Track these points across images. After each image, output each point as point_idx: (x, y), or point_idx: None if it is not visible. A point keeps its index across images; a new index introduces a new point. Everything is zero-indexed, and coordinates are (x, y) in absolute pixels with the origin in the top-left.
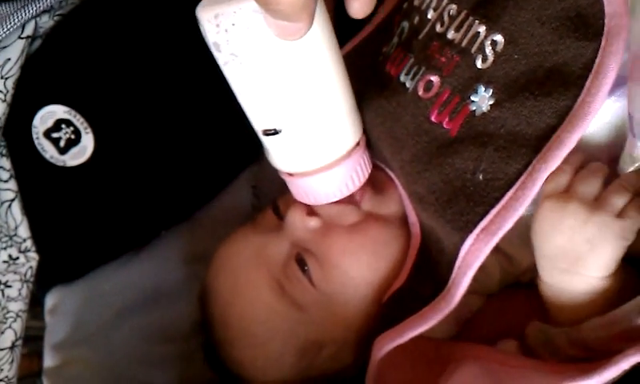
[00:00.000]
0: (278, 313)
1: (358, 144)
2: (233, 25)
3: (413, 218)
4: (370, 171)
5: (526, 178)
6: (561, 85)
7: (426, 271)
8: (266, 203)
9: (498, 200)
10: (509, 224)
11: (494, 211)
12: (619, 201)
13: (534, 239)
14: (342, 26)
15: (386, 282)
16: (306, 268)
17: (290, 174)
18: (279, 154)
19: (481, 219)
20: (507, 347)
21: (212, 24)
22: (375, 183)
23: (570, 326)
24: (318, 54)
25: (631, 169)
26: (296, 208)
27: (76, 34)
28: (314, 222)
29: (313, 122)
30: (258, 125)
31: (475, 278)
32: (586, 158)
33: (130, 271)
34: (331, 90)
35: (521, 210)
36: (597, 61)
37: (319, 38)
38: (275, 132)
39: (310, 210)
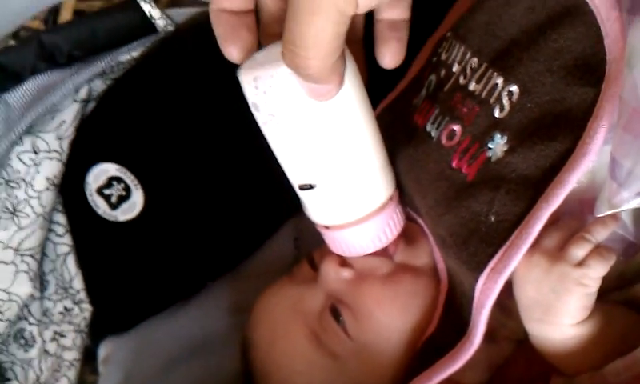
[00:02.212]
0: (314, 363)
1: (391, 198)
2: (270, 87)
3: (441, 264)
4: (402, 224)
5: (530, 217)
6: (565, 129)
7: (454, 315)
8: (307, 253)
9: (505, 240)
10: (514, 262)
11: (501, 251)
12: (579, 251)
13: (514, 292)
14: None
15: (418, 330)
16: (340, 319)
17: (326, 227)
18: (315, 207)
19: (490, 259)
20: None
21: (251, 86)
22: (408, 234)
23: (575, 375)
24: (349, 112)
25: (607, 213)
26: (329, 260)
27: (126, 97)
28: (346, 273)
29: (346, 177)
30: (295, 180)
31: (500, 322)
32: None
33: (177, 322)
34: (363, 146)
35: (524, 248)
36: (597, 105)
37: (350, 97)
38: (310, 187)
39: (343, 262)
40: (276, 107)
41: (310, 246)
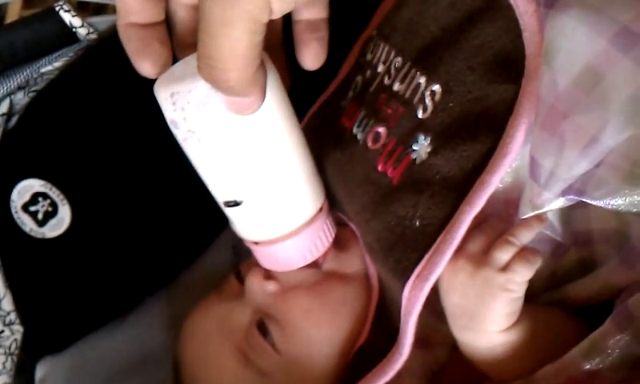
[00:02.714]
0: (243, 382)
1: (320, 209)
2: (188, 103)
3: (372, 269)
4: (333, 235)
5: (454, 221)
6: (486, 128)
7: (385, 323)
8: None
9: (430, 245)
10: (439, 269)
11: (426, 257)
12: (503, 255)
13: (441, 301)
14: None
15: (350, 340)
16: (268, 334)
17: (255, 242)
18: (242, 223)
19: (416, 265)
20: None
21: (168, 102)
22: (338, 240)
23: (506, 382)
24: (273, 126)
25: (531, 214)
26: (254, 273)
27: (49, 110)
28: (272, 286)
29: (273, 192)
30: (219, 196)
31: (434, 327)
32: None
33: (115, 338)
34: (289, 160)
35: (449, 253)
36: (516, 102)
37: (273, 109)
38: (236, 203)
39: (268, 274)
40: (195, 124)
41: (249, 254)
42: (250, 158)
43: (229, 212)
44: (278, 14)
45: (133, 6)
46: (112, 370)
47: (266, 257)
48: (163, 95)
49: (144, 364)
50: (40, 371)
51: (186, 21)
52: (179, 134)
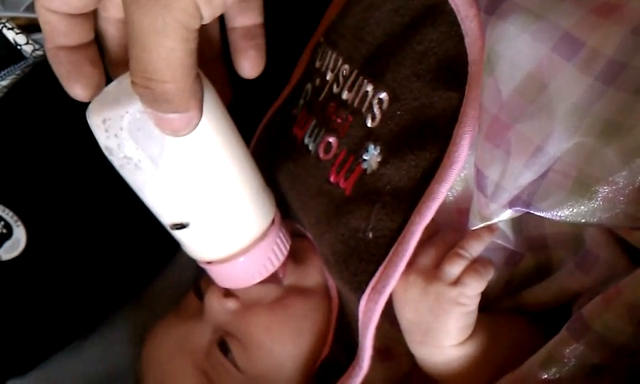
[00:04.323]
0: None
1: (272, 223)
2: (121, 129)
3: (331, 281)
4: (288, 247)
5: (405, 232)
6: (433, 137)
7: (344, 336)
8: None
9: (383, 257)
10: (393, 281)
11: (380, 269)
12: (454, 269)
13: (396, 316)
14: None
15: (312, 354)
16: (229, 352)
17: (208, 262)
18: (191, 245)
19: (370, 278)
20: None
21: (101, 129)
22: (296, 253)
23: None
24: (213, 144)
25: (480, 226)
26: (213, 291)
27: None
28: (231, 304)
29: (219, 211)
30: (164, 220)
31: (395, 338)
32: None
33: (81, 357)
34: (233, 177)
35: (402, 266)
36: (460, 110)
37: (212, 127)
38: (182, 226)
39: (228, 292)
40: (130, 150)
41: None
42: (191, 179)
43: (176, 234)
44: (208, 19)
45: (60, 28)
46: None
47: (220, 276)
48: (95, 122)
49: (111, 381)
50: None
51: (117, 38)
52: (115, 161)
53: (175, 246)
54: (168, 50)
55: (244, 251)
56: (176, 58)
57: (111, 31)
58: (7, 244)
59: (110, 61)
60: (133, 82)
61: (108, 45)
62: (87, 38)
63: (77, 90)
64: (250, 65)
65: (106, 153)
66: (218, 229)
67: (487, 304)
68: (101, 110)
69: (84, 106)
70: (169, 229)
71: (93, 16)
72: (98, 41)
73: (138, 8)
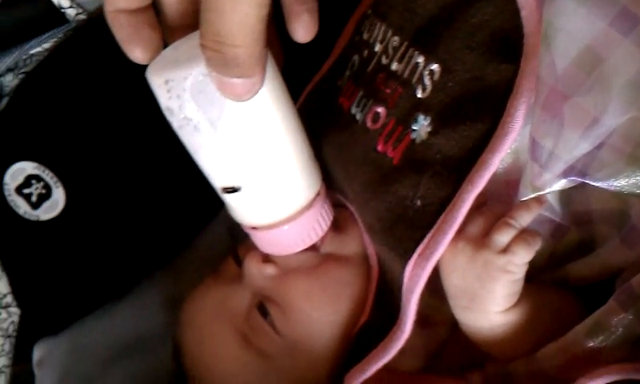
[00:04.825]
0: (246, 365)
1: (318, 194)
2: (184, 90)
3: (371, 249)
4: (331, 218)
5: (455, 201)
6: (486, 108)
7: (386, 302)
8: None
9: (432, 225)
10: (441, 248)
11: (428, 236)
12: (503, 238)
13: (442, 282)
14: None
15: (351, 320)
16: (268, 316)
17: (253, 227)
18: (240, 209)
19: (417, 244)
20: (472, 380)
21: (162, 90)
22: (337, 222)
23: (509, 361)
24: (271, 110)
25: (531, 196)
26: (252, 257)
27: (39, 91)
28: (270, 269)
29: (271, 177)
30: (217, 183)
31: (434, 307)
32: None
33: (112, 320)
34: (287, 144)
35: (451, 233)
36: (516, 82)
37: (271, 93)
38: (234, 189)
39: (267, 257)
40: (191, 111)
41: (244, 235)
42: (247, 143)
43: (226, 198)
44: None
45: None
46: (109, 352)
47: (264, 241)
48: (157, 82)
49: (141, 346)
50: (37, 354)
51: (175, 3)
52: (174, 122)
53: (208, 215)
54: (243, 15)
55: (290, 219)
56: (249, 23)
57: None
58: (46, 204)
59: (166, 25)
60: (202, 45)
61: (166, 10)
62: (146, 2)
63: (137, 53)
64: (303, 29)
65: (166, 113)
66: (267, 195)
67: (531, 276)
68: (163, 71)
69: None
70: (219, 192)
71: None
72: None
73: None
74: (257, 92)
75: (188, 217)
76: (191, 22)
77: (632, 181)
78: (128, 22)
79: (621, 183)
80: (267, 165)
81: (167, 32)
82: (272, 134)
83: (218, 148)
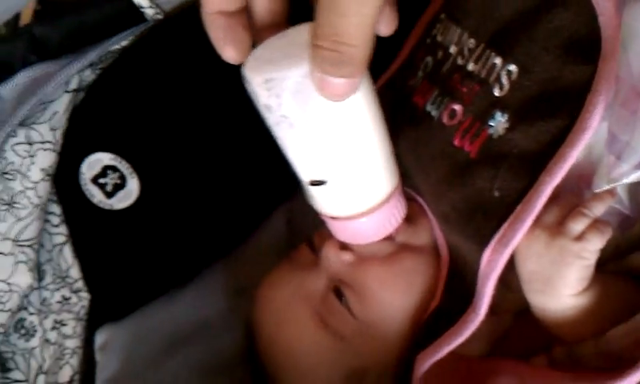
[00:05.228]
0: (321, 345)
1: (395, 187)
2: (284, 89)
3: (441, 240)
4: (405, 211)
5: (533, 192)
6: (564, 105)
7: (456, 289)
8: (300, 236)
9: (509, 214)
10: (519, 235)
11: (505, 224)
12: (577, 226)
13: (516, 265)
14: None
15: (421, 306)
16: (344, 299)
17: (333, 217)
18: (323, 200)
19: (495, 232)
20: (538, 362)
21: (262, 88)
22: (408, 215)
23: (575, 343)
24: (363, 109)
25: (605, 188)
26: (330, 244)
27: (117, 85)
28: (348, 256)
29: (357, 172)
30: (306, 176)
31: (501, 295)
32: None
33: (175, 307)
34: (374, 141)
35: (529, 221)
36: (594, 80)
37: (363, 93)
38: (321, 183)
39: (344, 245)
40: (289, 109)
41: (302, 227)
42: (338, 140)
43: (312, 190)
44: None
45: None
46: (170, 338)
47: (342, 231)
48: (257, 81)
49: (202, 332)
50: (100, 338)
51: (265, 3)
52: (271, 118)
53: (268, 208)
54: (363, 17)
55: (369, 211)
56: (368, 24)
57: None
58: (120, 194)
59: (255, 25)
60: (318, 46)
61: (256, 11)
62: (242, 4)
63: (230, 53)
64: (385, 23)
65: (264, 110)
66: (351, 189)
67: (597, 266)
68: (262, 70)
69: (196, 65)
70: (305, 183)
71: None
72: None
73: None
74: (355, 91)
75: (250, 209)
76: (280, 20)
77: None
78: (224, 24)
79: None
80: (354, 161)
81: (256, 32)
82: (362, 132)
83: (310, 144)
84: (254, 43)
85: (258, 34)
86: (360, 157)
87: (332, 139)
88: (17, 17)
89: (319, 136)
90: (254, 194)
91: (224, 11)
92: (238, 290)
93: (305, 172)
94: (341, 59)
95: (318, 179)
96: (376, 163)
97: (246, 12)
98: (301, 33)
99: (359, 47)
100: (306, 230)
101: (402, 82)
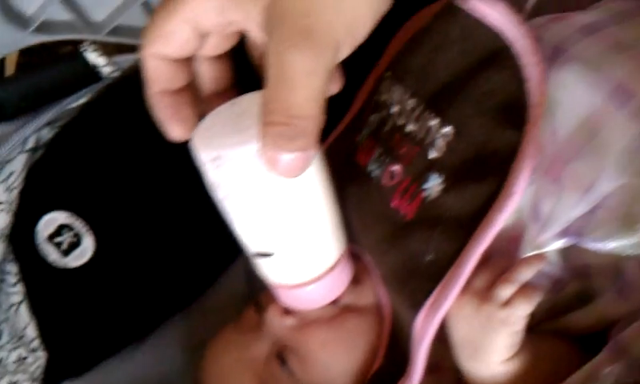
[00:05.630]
0: None
1: (342, 253)
2: (233, 167)
3: (384, 299)
4: (352, 274)
5: (463, 256)
6: (493, 170)
7: (396, 351)
8: (259, 289)
9: (441, 278)
10: (449, 301)
11: (437, 289)
12: (505, 292)
13: (449, 332)
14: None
15: (364, 367)
16: (286, 364)
17: (279, 285)
18: (270, 271)
19: (427, 297)
20: None
21: (210, 165)
22: (353, 274)
23: None
24: (312, 183)
25: (531, 254)
26: (273, 308)
27: (72, 143)
28: (291, 321)
29: (305, 244)
30: (251, 248)
31: (441, 354)
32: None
33: (133, 363)
34: (323, 213)
35: (458, 287)
36: (520, 147)
37: (314, 166)
38: (267, 255)
39: (287, 309)
40: (237, 187)
41: (261, 281)
42: (287, 216)
43: (258, 261)
44: (342, 58)
45: (167, 73)
46: None
47: (288, 298)
48: (205, 158)
49: None
50: None
51: (209, 73)
52: (219, 193)
53: (226, 261)
54: (315, 89)
55: (316, 279)
56: (319, 95)
57: (203, 68)
58: (76, 252)
59: (203, 95)
60: (269, 122)
61: (201, 81)
62: (188, 81)
63: (177, 132)
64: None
65: (212, 187)
66: (298, 260)
67: (531, 326)
68: (210, 146)
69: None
70: (251, 255)
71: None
72: None
73: (296, 51)
74: (308, 166)
75: (208, 262)
76: (227, 87)
77: (623, 243)
78: (170, 103)
79: (613, 245)
80: (302, 233)
81: (203, 101)
82: (311, 206)
83: (259, 220)
84: (203, 113)
85: (206, 103)
86: (308, 229)
87: (281, 215)
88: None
89: (268, 212)
90: (211, 248)
91: (168, 90)
92: (195, 345)
93: (251, 245)
94: (294, 133)
95: (264, 252)
96: (324, 233)
97: (190, 88)
98: (250, 102)
99: (312, 119)
100: (263, 285)
101: (350, 138)
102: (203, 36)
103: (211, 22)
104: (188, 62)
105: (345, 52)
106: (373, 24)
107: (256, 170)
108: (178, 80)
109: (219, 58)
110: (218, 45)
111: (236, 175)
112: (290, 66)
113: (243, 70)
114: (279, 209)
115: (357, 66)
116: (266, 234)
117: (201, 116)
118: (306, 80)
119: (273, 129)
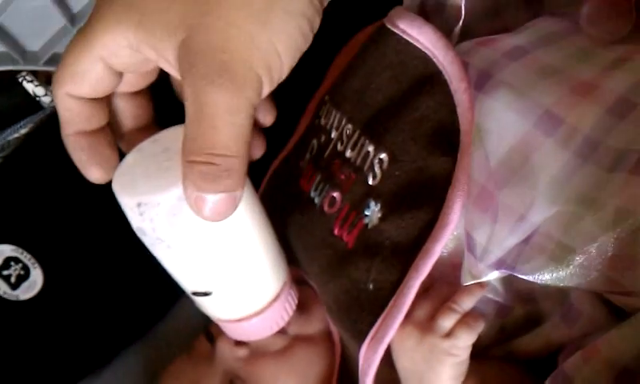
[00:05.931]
0: None
1: (285, 283)
2: (157, 214)
3: (333, 327)
4: (296, 302)
5: (403, 286)
6: (429, 198)
7: (348, 378)
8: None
9: (382, 309)
10: (392, 331)
11: (380, 319)
12: (446, 322)
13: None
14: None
15: None
16: None
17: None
18: (210, 308)
19: (370, 327)
20: None
21: (135, 212)
22: (301, 302)
23: None
24: (245, 221)
25: (471, 282)
26: (224, 340)
27: (16, 176)
28: (241, 352)
29: (242, 281)
30: (188, 288)
31: (395, 379)
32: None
33: None
34: (259, 250)
35: (400, 317)
36: (453, 175)
37: (245, 204)
38: (205, 294)
39: (238, 340)
40: (164, 233)
41: None
42: (221, 256)
43: (197, 299)
44: (264, 96)
45: (83, 113)
46: None
47: (234, 331)
48: (129, 205)
49: None
50: None
51: (127, 110)
52: (147, 240)
53: (179, 290)
54: (238, 127)
55: (259, 312)
56: (244, 133)
57: (120, 105)
58: (25, 285)
59: (123, 133)
60: (192, 162)
61: (119, 118)
62: (105, 120)
63: (96, 174)
64: (263, 114)
65: (138, 233)
66: (237, 296)
67: (479, 352)
68: (133, 192)
69: None
70: (190, 295)
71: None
72: None
73: (214, 88)
74: (236, 207)
75: (158, 293)
76: (147, 123)
77: (555, 275)
78: (87, 144)
79: (545, 277)
80: (239, 271)
81: (124, 139)
82: (245, 244)
83: (191, 262)
84: (125, 150)
85: (127, 140)
86: (244, 267)
87: (213, 257)
88: None
89: (199, 255)
90: (161, 279)
91: (84, 131)
92: (154, 372)
93: (187, 286)
94: (219, 173)
95: (201, 291)
96: (261, 268)
97: (108, 127)
98: (172, 138)
99: (237, 157)
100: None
101: (293, 163)
102: (118, 74)
103: (125, 60)
104: (104, 100)
105: (267, 88)
106: (292, 61)
107: (182, 214)
108: (95, 121)
109: (138, 93)
110: (135, 82)
111: (160, 222)
112: (209, 104)
113: (163, 102)
114: (211, 251)
115: (301, 89)
116: (200, 275)
117: (122, 154)
118: (228, 117)
119: (195, 168)
